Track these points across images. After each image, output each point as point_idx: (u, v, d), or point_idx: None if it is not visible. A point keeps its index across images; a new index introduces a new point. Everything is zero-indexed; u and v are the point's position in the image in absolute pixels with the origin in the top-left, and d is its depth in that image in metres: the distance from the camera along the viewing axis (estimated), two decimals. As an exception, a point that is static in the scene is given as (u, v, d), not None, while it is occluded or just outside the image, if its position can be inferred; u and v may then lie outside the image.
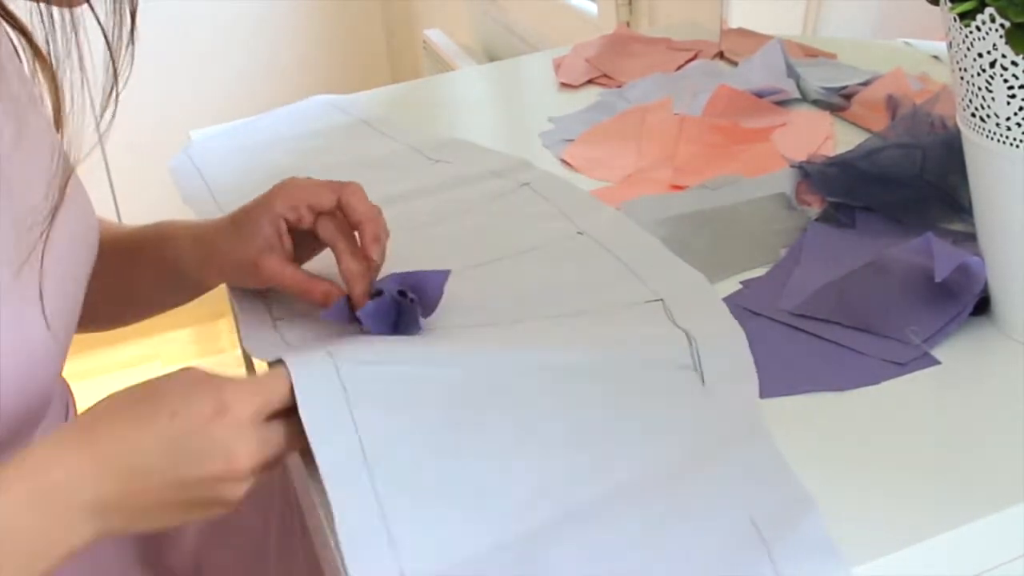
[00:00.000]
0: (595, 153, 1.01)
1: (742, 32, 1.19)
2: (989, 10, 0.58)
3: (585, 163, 1.00)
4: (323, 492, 0.56)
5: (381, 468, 0.57)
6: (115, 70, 0.61)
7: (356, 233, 0.74)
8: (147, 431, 0.57)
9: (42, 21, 0.59)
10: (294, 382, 0.59)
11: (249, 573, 0.88)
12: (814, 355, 0.68)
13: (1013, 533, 0.55)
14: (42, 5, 0.59)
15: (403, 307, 0.70)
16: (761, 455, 0.58)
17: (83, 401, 0.81)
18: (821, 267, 0.76)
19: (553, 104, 1.15)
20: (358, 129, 1.13)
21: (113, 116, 0.62)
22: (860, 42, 1.12)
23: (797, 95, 1.07)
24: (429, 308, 0.72)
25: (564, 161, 1.01)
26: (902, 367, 0.65)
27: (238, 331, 0.82)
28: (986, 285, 0.68)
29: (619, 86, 1.17)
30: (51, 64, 0.61)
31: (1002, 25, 0.58)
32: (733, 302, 0.74)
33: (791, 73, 1.08)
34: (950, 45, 0.63)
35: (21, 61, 0.71)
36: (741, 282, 0.77)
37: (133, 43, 0.61)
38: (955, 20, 0.60)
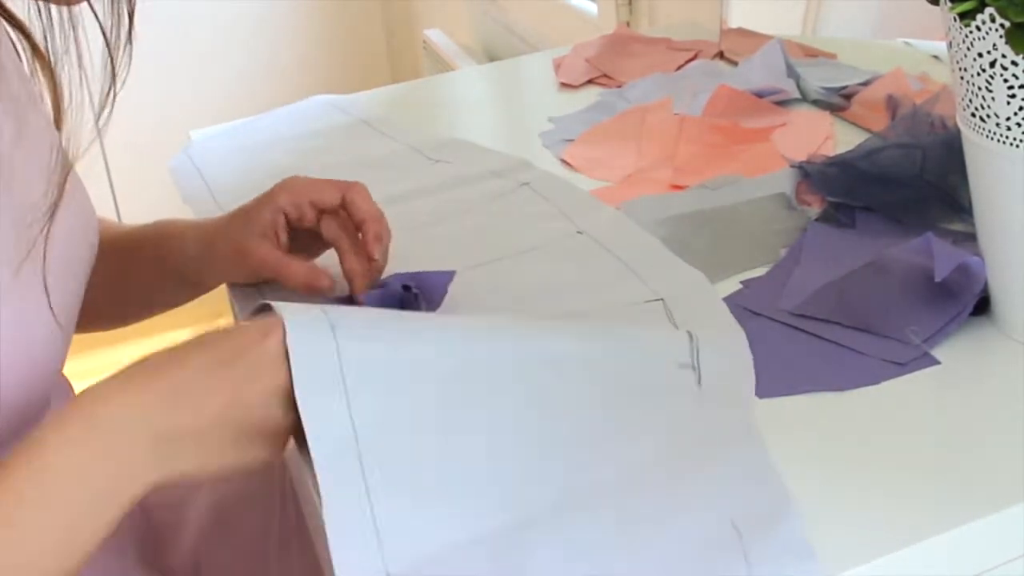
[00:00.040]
0: (595, 153, 1.01)
1: (742, 32, 1.19)
2: (989, 10, 0.58)
3: (585, 163, 1.00)
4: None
5: (371, 457, 0.55)
6: (113, 69, 0.61)
7: (359, 233, 0.74)
8: (198, 355, 0.56)
9: (40, 19, 0.59)
10: (293, 367, 0.57)
11: (249, 573, 0.87)
12: (814, 355, 0.68)
13: (1013, 533, 0.55)
14: (40, 3, 0.60)
15: (406, 300, 0.70)
16: (748, 457, 0.58)
17: (83, 401, 0.81)
18: (821, 267, 0.76)
19: (553, 104, 1.15)
20: (358, 129, 1.13)
21: (110, 113, 0.62)
22: (860, 42, 1.12)
23: (797, 95, 1.06)
24: (432, 308, 0.72)
25: (564, 161, 1.01)
26: (902, 367, 0.65)
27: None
28: (986, 285, 0.68)
29: (619, 86, 1.17)
30: (50, 62, 0.61)
31: (1002, 25, 0.58)
32: (733, 302, 0.74)
33: (791, 73, 1.08)
34: (950, 45, 0.63)
35: (20, 59, 0.71)
36: (741, 282, 0.77)
37: (131, 43, 0.61)
38: (955, 20, 0.60)
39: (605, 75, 1.20)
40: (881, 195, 0.83)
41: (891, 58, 1.04)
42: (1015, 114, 0.60)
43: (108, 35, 0.60)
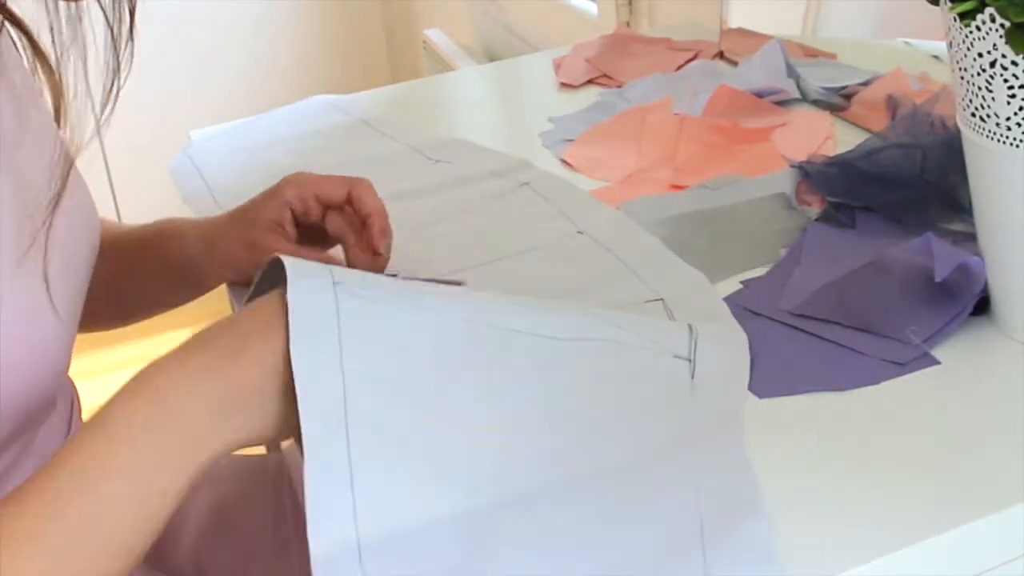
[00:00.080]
0: (595, 153, 1.01)
1: (742, 32, 1.19)
2: (989, 10, 0.58)
3: (585, 163, 1.00)
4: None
5: (358, 431, 0.54)
6: (116, 65, 0.61)
7: (363, 229, 0.74)
8: (248, 319, 0.57)
9: (47, 12, 0.59)
10: (291, 318, 0.56)
11: (249, 572, 0.87)
12: (814, 355, 0.68)
13: (1013, 533, 0.55)
14: None
15: None
16: (726, 455, 0.58)
17: (85, 401, 0.81)
18: (821, 267, 0.76)
19: (553, 104, 1.15)
20: (358, 129, 1.13)
21: (112, 109, 0.62)
22: (860, 42, 1.12)
23: (797, 95, 1.07)
24: None
25: (564, 161, 1.01)
26: (902, 367, 0.65)
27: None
28: (986, 285, 0.68)
29: (619, 86, 1.17)
30: (55, 54, 0.61)
31: (1002, 25, 0.58)
32: (733, 302, 0.74)
33: (791, 73, 1.08)
34: (950, 45, 0.63)
35: (21, 56, 0.71)
36: (741, 282, 0.77)
37: (132, 41, 0.61)
38: (955, 20, 0.60)
39: (605, 75, 1.20)
40: (881, 195, 0.83)
41: (891, 58, 1.04)
42: (1015, 114, 0.60)
43: (113, 28, 0.61)
